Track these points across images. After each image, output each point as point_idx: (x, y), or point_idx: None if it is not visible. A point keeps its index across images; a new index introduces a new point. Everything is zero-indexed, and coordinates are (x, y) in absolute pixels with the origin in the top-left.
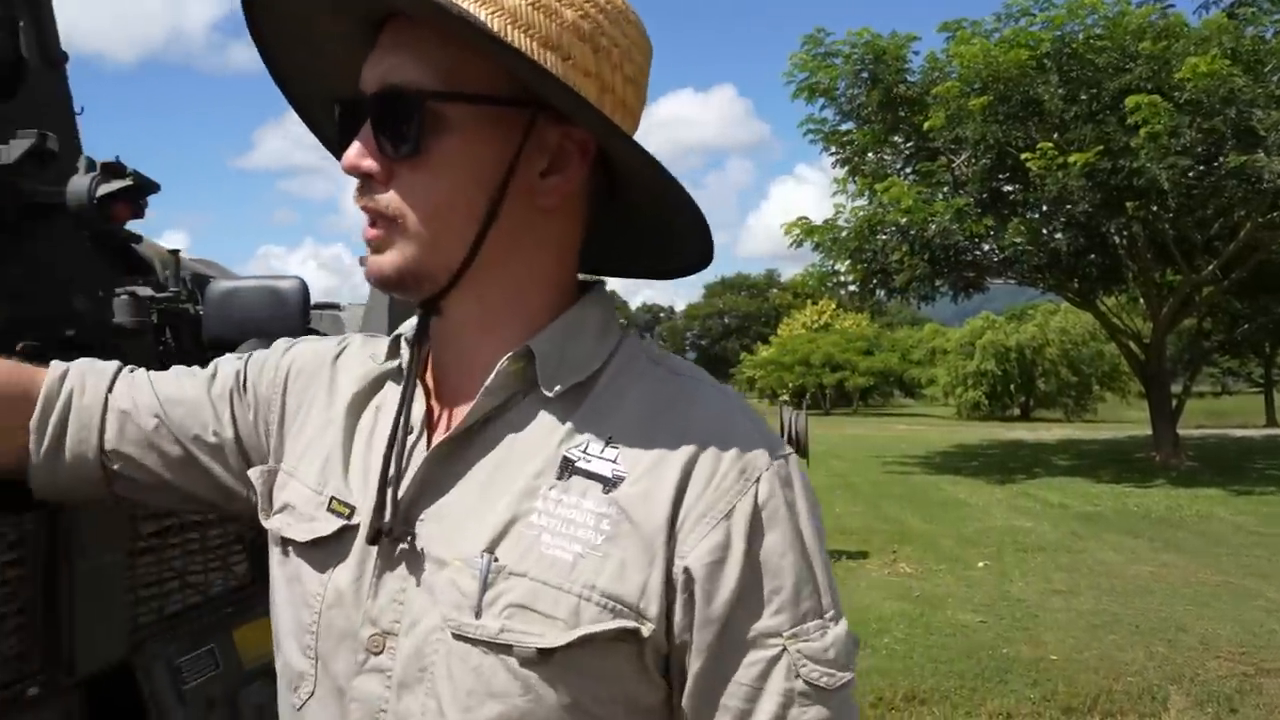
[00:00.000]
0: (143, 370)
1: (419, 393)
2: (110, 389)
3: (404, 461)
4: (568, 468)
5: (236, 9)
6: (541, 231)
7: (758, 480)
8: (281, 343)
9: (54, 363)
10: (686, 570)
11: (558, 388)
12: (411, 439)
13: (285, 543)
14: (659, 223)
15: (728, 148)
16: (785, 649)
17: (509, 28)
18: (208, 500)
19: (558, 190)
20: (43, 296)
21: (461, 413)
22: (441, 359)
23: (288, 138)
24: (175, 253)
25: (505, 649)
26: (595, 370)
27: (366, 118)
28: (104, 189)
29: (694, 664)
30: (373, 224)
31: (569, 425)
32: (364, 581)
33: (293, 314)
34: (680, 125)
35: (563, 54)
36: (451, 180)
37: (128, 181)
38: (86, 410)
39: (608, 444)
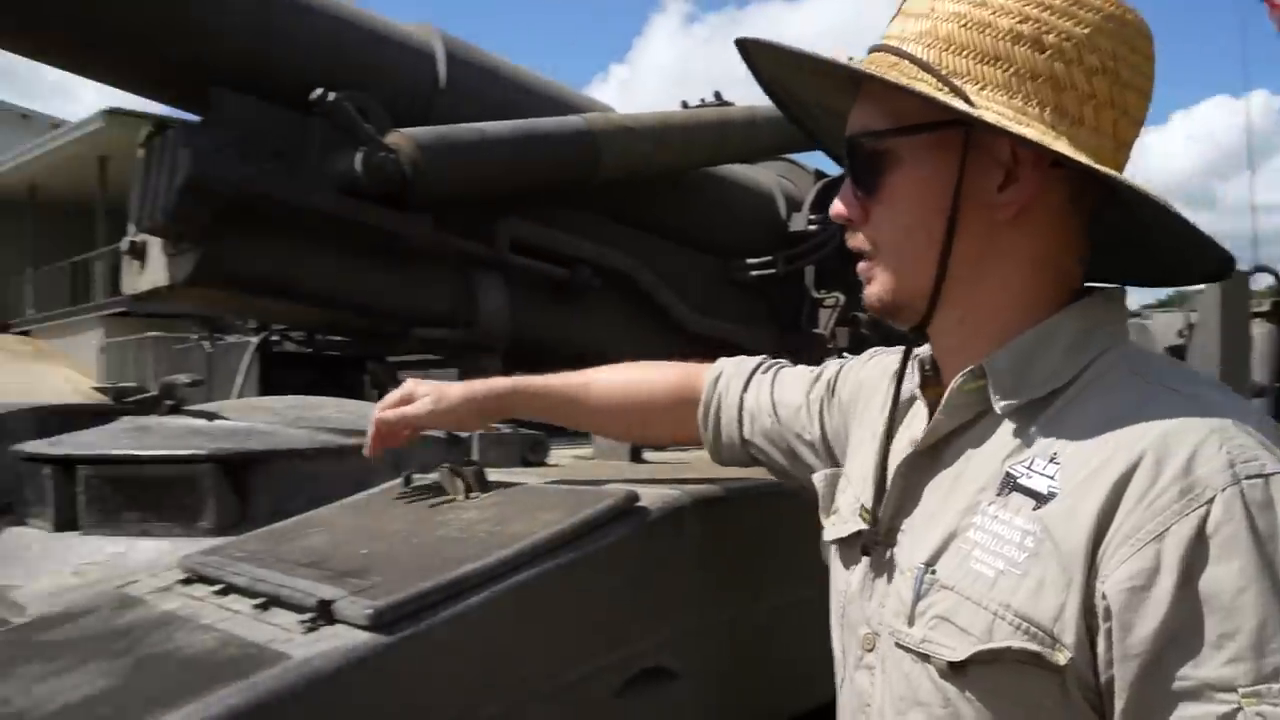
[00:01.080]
0: (774, 370)
1: (924, 410)
2: (745, 390)
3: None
4: (1009, 483)
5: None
6: (1007, 245)
7: (1209, 501)
8: (869, 352)
9: (718, 362)
10: (1105, 597)
11: (1008, 404)
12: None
13: (829, 541)
14: (1157, 228)
15: None
16: (1240, 708)
17: (944, 54)
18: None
19: (1014, 202)
20: None
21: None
22: (942, 379)
23: None
24: None
25: (926, 658)
26: (1059, 386)
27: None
28: None
29: (1118, 703)
30: (861, 260)
31: (1019, 441)
32: (865, 582)
33: None
34: None
35: (1003, 64)
36: (906, 209)
37: None
38: (729, 410)
39: (1051, 459)
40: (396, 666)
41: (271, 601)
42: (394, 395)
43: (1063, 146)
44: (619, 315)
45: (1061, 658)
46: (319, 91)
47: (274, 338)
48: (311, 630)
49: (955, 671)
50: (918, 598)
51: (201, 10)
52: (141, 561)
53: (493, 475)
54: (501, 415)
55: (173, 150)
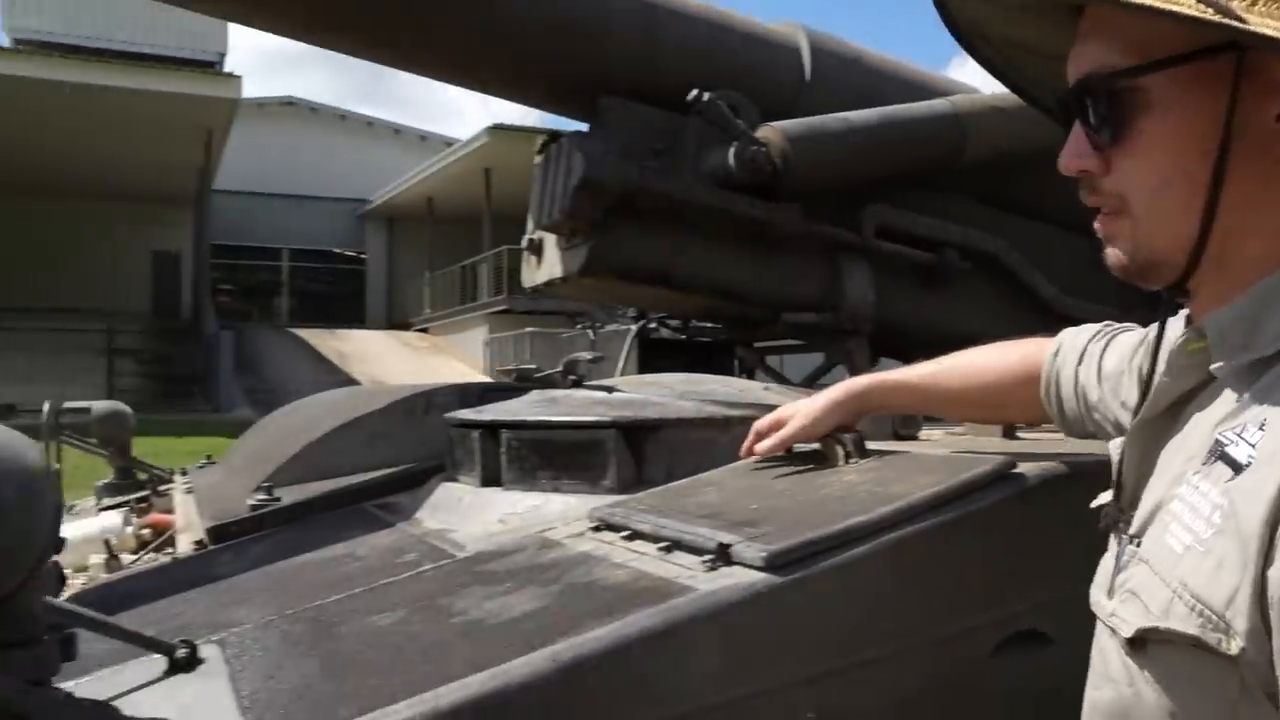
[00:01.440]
0: (1108, 338)
1: None
2: (1080, 362)
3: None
4: (1215, 451)
5: None
6: None
7: None
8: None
9: (1060, 335)
10: (1271, 583)
11: (1222, 365)
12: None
13: (1093, 509)
14: None
15: None
16: None
17: None
18: None
19: None
20: None
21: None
22: None
23: None
24: None
25: (1113, 633)
26: None
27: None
28: None
29: None
30: (1102, 216)
31: (1237, 405)
32: (1112, 552)
33: None
34: None
35: None
36: (1162, 156)
37: None
38: (1066, 385)
39: (1261, 426)
40: (788, 605)
41: (674, 545)
42: (765, 421)
43: None
44: (986, 298)
45: (1233, 646)
46: (695, 92)
47: (651, 325)
48: (712, 569)
49: (1135, 649)
50: (1118, 569)
51: (596, 29)
52: (554, 513)
53: (870, 445)
54: (865, 414)
55: (567, 155)
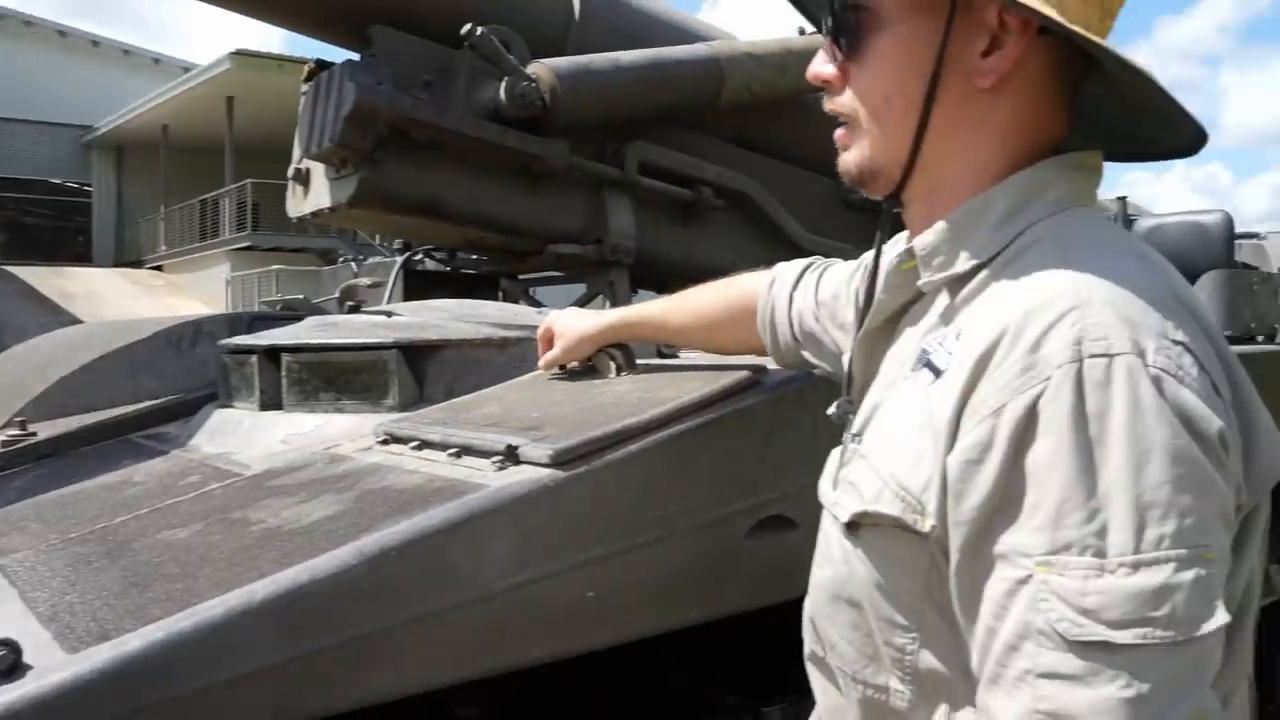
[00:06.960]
0: (824, 267)
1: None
2: (794, 289)
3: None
4: (922, 359)
5: None
6: (982, 113)
7: (1046, 379)
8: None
9: (775, 267)
10: (947, 468)
11: (928, 281)
12: (860, 335)
13: (827, 415)
14: (1139, 100)
15: None
16: (1032, 575)
17: None
18: None
19: (996, 70)
20: None
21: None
22: None
23: None
24: (1123, 199)
25: (833, 519)
26: (983, 260)
27: None
28: None
29: (951, 563)
30: (841, 128)
31: (939, 317)
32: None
33: (1215, 246)
34: None
35: None
36: (885, 72)
37: None
38: (780, 312)
39: (957, 336)
40: (571, 497)
41: (463, 451)
42: (541, 331)
43: (1053, 12)
44: (738, 234)
45: (924, 525)
46: (469, 26)
47: (416, 257)
48: (501, 469)
49: (850, 531)
50: (842, 464)
51: None
52: (338, 433)
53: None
54: (614, 342)
55: (338, 85)
